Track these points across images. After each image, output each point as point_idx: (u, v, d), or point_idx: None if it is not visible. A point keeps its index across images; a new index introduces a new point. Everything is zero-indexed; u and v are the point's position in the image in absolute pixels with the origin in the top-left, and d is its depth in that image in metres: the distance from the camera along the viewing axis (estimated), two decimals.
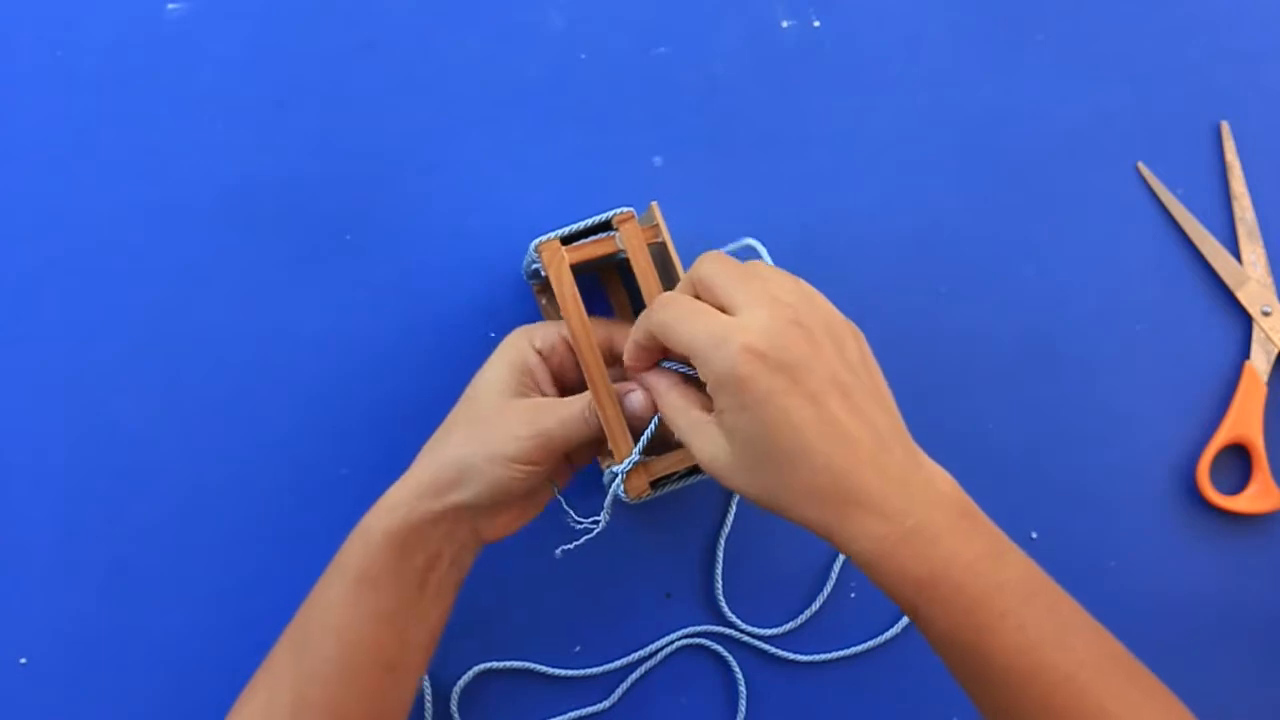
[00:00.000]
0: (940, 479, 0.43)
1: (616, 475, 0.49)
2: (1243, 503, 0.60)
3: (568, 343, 0.51)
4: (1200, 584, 0.61)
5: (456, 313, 0.59)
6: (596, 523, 0.50)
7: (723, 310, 0.43)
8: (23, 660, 0.55)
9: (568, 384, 0.52)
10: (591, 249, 0.51)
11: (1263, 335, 0.61)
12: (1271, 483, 0.61)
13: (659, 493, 0.51)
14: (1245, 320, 0.62)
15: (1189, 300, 0.62)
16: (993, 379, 0.61)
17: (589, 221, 0.51)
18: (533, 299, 0.59)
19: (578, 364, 0.50)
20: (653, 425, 0.48)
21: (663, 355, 0.48)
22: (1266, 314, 0.62)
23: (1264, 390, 0.61)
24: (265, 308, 0.58)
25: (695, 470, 0.52)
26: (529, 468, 0.48)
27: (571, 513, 0.51)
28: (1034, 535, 0.60)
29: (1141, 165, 0.62)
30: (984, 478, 0.59)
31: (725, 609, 0.59)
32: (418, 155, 0.59)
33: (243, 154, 0.58)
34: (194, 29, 0.59)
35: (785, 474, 0.41)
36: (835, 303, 0.44)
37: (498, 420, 0.49)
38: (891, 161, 0.61)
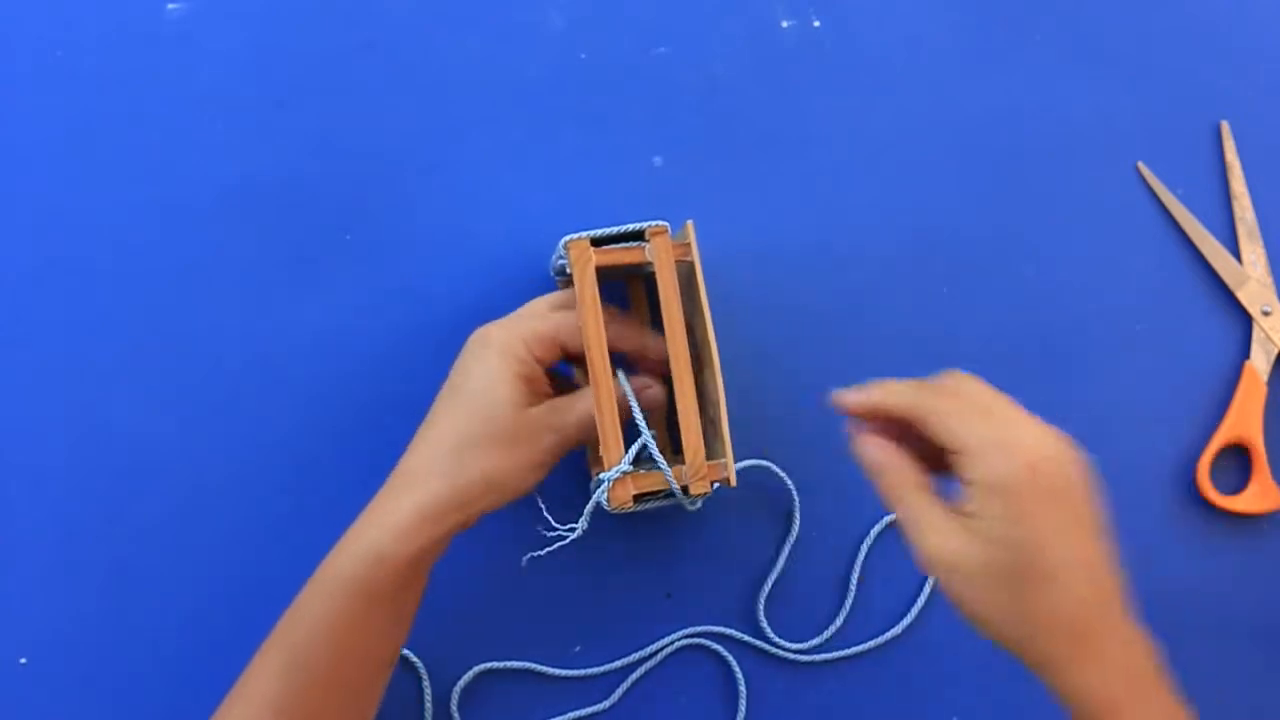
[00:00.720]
0: (1151, 650, 0.42)
1: (603, 482, 0.49)
2: (1243, 503, 0.60)
3: (554, 339, 0.50)
4: (1200, 584, 0.60)
5: (456, 313, 0.59)
6: (573, 529, 0.50)
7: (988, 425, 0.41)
8: (23, 660, 0.55)
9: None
10: (619, 255, 0.50)
11: (1263, 335, 0.61)
12: (1271, 483, 0.61)
13: (640, 508, 0.51)
14: (1245, 320, 0.62)
15: (1189, 300, 0.62)
16: (992, 379, 0.60)
17: (623, 228, 0.51)
18: (529, 296, 0.58)
19: (571, 359, 0.50)
20: (644, 441, 0.48)
21: (896, 430, 0.44)
22: (1266, 314, 0.62)
23: (1264, 390, 0.61)
24: (265, 307, 0.58)
25: (672, 494, 0.51)
26: (548, 469, 0.49)
27: (550, 519, 0.51)
28: None
29: (1141, 165, 0.62)
30: None
31: (765, 625, 0.59)
32: (418, 155, 0.59)
33: (243, 154, 0.58)
34: (194, 29, 0.59)
35: (1032, 597, 0.40)
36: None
37: (523, 434, 0.49)
38: (891, 161, 0.61)
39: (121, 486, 0.56)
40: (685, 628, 0.59)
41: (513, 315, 0.52)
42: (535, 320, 0.51)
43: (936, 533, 0.41)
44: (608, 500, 0.49)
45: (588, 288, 0.49)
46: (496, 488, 0.48)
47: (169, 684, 0.56)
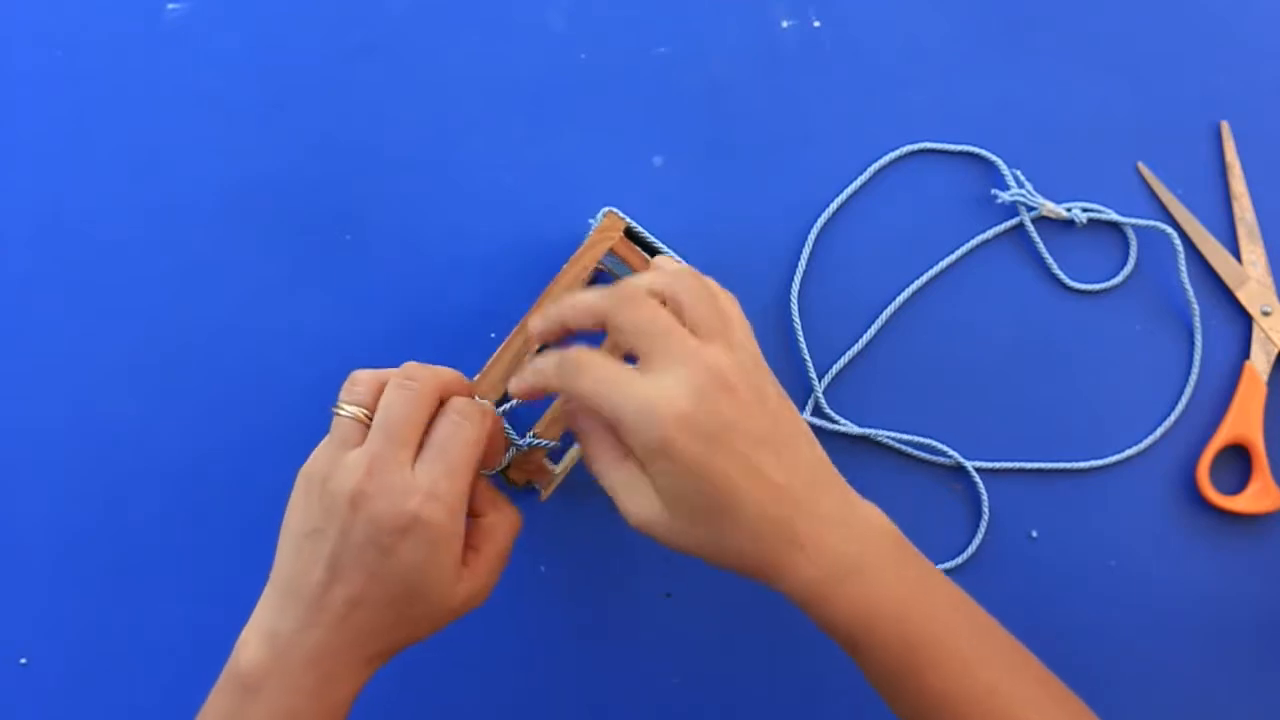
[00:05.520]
0: (873, 514, 0.45)
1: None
2: (1243, 503, 0.60)
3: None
4: (1200, 584, 0.60)
5: (456, 313, 0.59)
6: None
7: (645, 360, 0.42)
8: (23, 660, 0.55)
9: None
10: (633, 257, 0.52)
11: (1263, 335, 0.61)
12: (1272, 482, 0.60)
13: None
14: (1245, 320, 0.62)
15: (1189, 300, 0.62)
16: (992, 378, 0.61)
17: (653, 241, 0.52)
18: (533, 298, 0.58)
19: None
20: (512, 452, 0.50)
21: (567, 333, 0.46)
22: (1266, 314, 0.61)
23: (1264, 390, 0.61)
24: (264, 307, 0.58)
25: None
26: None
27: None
28: (1034, 534, 0.60)
29: (1142, 165, 0.62)
30: (983, 477, 0.60)
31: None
32: (417, 155, 0.59)
33: (242, 154, 0.58)
34: (194, 29, 0.59)
35: (723, 528, 0.42)
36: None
37: (449, 610, 0.45)
38: (891, 162, 0.61)
39: (122, 486, 0.56)
40: (686, 627, 0.59)
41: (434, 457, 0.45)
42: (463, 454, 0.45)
43: (631, 496, 0.43)
44: (508, 479, 0.50)
45: (590, 256, 0.51)
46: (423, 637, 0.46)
47: (169, 684, 0.56)
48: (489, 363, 0.51)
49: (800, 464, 0.43)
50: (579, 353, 0.44)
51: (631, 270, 0.52)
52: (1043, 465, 0.60)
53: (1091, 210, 0.60)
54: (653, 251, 0.53)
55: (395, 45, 0.60)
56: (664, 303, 0.44)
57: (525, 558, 0.57)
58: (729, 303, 0.45)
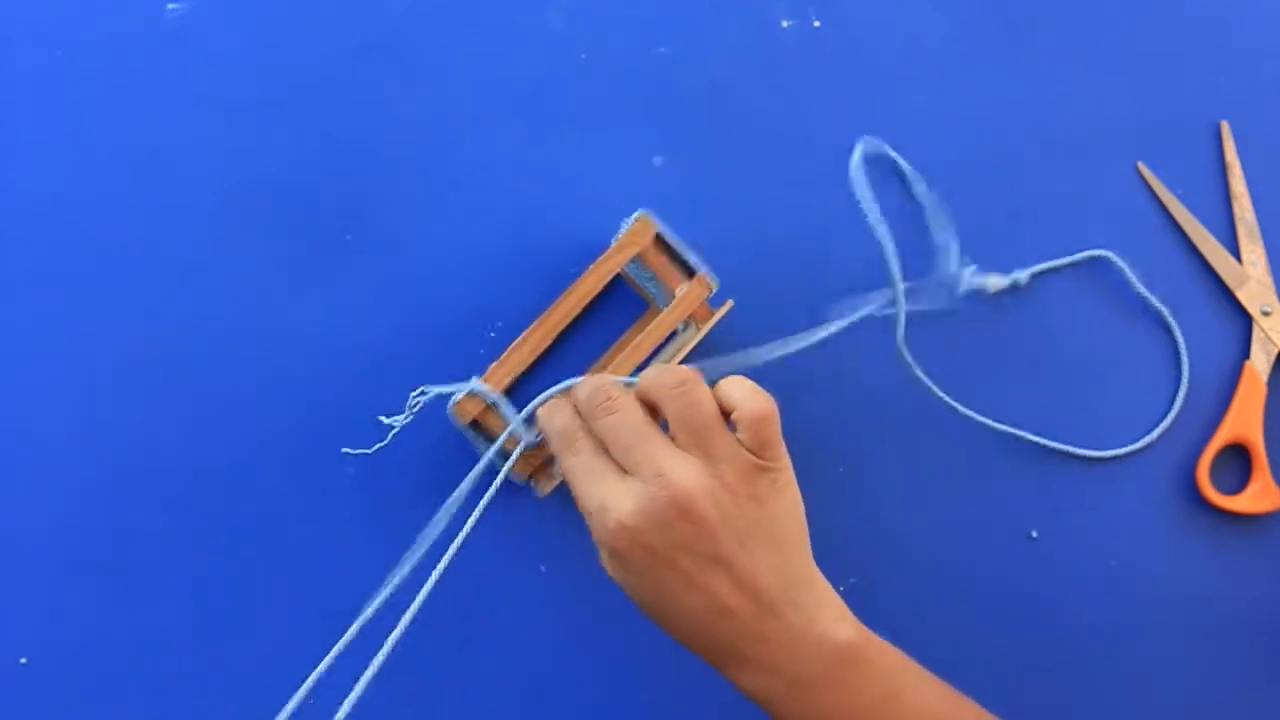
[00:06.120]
0: (833, 628, 0.43)
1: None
2: (1243, 503, 0.60)
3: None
4: (1200, 584, 0.60)
5: (457, 313, 0.59)
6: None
7: (620, 461, 0.43)
8: (23, 660, 0.55)
9: None
10: (661, 266, 0.51)
11: (1263, 335, 0.61)
12: (1272, 483, 0.61)
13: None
14: (1245, 320, 0.62)
15: (1189, 300, 0.62)
16: (992, 381, 0.61)
17: (686, 253, 0.52)
18: (534, 296, 0.59)
19: None
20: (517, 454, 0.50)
21: None
22: (1266, 314, 0.62)
23: (1264, 390, 0.61)
24: (265, 308, 0.58)
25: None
26: None
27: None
28: (1034, 534, 0.60)
29: (1141, 165, 0.62)
30: (984, 477, 0.60)
31: None
32: (417, 155, 0.59)
33: (241, 154, 0.58)
34: (194, 29, 0.59)
35: (665, 627, 0.44)
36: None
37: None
38: (892, 162, 0.61)
39: (122, 486, 0.56)
40: None
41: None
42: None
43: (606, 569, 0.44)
44: (453, 405, 0.49)
45: (614, 260, 0.50)
46: None
47: (169, 684, 0.56)
48: (506, 352, 0.51)
49: (764, 582, 0.42)
50: (575, 433, 0.44)
51: (657, 279, 0.51)
52: (1042, 465, 0.60)
53: (1033, 269, 0.60)
54: (682, 262, 0.52)
55: (395, 45, 0.60)
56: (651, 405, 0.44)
57: (525, 558, 0.57)
58: (755, 400, 0.44)
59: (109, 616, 0.56)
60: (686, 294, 0.51)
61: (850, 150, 0.56)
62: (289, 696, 0.48)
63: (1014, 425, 0.60)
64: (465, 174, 0.59)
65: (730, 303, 0.52)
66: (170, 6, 0.59)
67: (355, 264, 0.58)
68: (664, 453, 0.42)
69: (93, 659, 0.56)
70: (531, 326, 0.51)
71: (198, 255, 0.58)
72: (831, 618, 0.44)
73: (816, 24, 0.62)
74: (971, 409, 0.60)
